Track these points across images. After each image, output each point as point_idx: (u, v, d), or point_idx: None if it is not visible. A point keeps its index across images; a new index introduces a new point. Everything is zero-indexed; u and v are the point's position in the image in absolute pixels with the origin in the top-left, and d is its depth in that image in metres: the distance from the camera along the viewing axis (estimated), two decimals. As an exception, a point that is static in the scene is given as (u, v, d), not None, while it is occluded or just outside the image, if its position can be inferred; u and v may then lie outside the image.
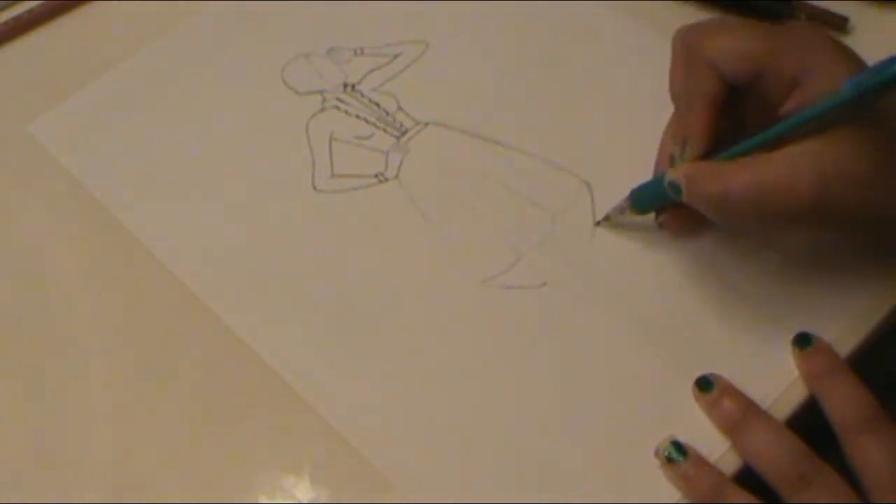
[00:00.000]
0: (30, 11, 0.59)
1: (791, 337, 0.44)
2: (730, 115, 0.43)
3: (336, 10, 0.58)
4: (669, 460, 0.42)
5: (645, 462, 0.42)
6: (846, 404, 0.41)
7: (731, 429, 0.42)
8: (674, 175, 0.43)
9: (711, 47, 0.42)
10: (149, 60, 0.57)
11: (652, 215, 0.47)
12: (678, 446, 0.42)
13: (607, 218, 0.48)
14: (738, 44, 0.42)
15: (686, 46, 0.44)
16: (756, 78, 0.42)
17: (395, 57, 0.56)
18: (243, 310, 0.48)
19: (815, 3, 0.56)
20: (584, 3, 0.57)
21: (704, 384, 0.43)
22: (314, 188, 0.51)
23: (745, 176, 0.40)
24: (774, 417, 0.42)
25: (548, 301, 0.47)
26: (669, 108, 0.45)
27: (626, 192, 0.47)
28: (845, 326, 0.45)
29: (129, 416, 0.45)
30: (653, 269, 0.47)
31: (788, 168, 0.39)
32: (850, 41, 0.54)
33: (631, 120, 0.52)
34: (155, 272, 0.49)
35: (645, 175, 0.47)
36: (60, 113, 0.55)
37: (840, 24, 0.55)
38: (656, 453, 0.42)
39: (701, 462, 0.42)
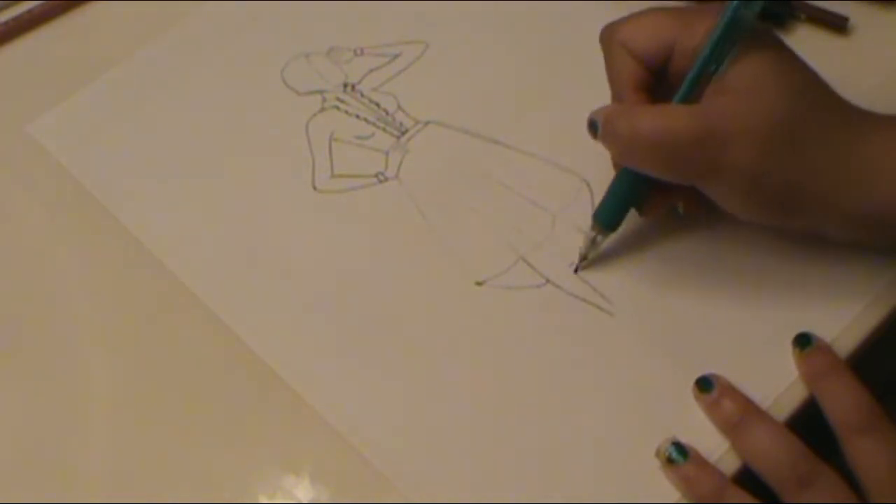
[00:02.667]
0: (30, 11, 0.59)
1: (791, 337, 0.44)
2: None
3: (336, 10, 0.58)
4: (670, 461, 0.42)
5: (645, 462, 0.42)
6: (845, 405, 0.41)
7: (730, 429, 0.42)
8: (594, 113, 0.44)
9: (622, 32, 0.44)
10: (149, 60, 0.57)
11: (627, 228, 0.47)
12: (679, 447, 0.42)
13: (584, 258, 0.47)
14: (645, 25, 0.44)
15: (603, 38, 0.45)
16: (669, 54, 0.43)
17: (395, 57, 0.56)
18: (243, 309, 0.48)
19: (815, 3, 0.56)
20: (584, 3, 0.57)
21: (704, 384, 0.43)
22: (314, 188, 0.51)
23: (656, 120, 0.41)
24: (774, 418, 0.42)
25: (548, 301, 0.47)
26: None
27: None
28: (845, 326, 0.45)
29: (129, 416, 0.46)
30: (653, 269, 0.47)
31: (694, 119, 0.41)
32: (850, 41, 0.54)
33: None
34: (155, 272, 0.49)
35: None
36: (60, 113, 0.55)
37: (840, 24, 0.55)
38: (657, 454, 0.42)
39: (702, 463, 0.41)
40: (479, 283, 0.48)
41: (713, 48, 0.41)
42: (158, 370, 0.47)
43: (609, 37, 0.45)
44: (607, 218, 0.46)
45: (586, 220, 0.49)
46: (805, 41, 0.54)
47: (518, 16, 0.57)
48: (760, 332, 0.45)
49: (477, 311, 0.47)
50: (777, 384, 0.44)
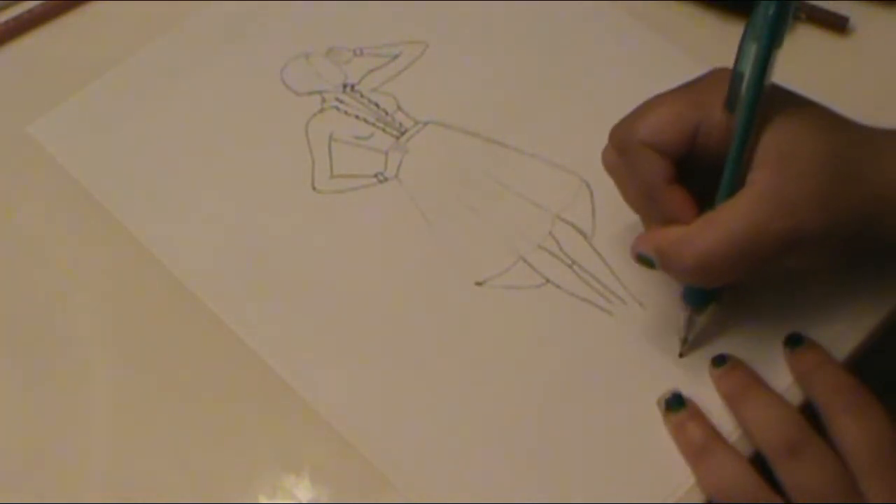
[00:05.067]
0: (30, 11, 0.59)
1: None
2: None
3: (336, 10, 0.58)
4: (668, 408, 0.43)
5: (645, 461, 0.43)
6: (831, 388, 0.42)
7: (730, 399, 0.43)
8: (642, 247, 0.42)
9: (643, 131, 0.42)
10: (149, 60, 0.57)
11: None
12: (679, 397, 0.43)
13: (685, 342, 0.45)
14: (661, 114, 0.42)
15: (618, 148, 0.43)
16: (692, 137, 0.41)
17: (395, 57, 0.56)
18: (243, 310, 0.48)
19: (815, 3, 0.56)
20: (584, 3, 0.57)
21: (718, 360, 0.44)
22: (314, 188, 0.51)
23: (715, 233, 0.40)
24: (767, 384, 0.43)
25: (548, 301, 0.47)
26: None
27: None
28: (845, 326, 0.45)
29: (129, 416, 0.45)
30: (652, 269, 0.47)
31: (753, 210, 0.39)
32: (850, 41, 0.54)
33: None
34: (154, 272, 0.49)
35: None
36: (60, 113, 0.55)
37: (840, 24, 0.55)
38: (658, 402, 0.43)
39: (697, 414, 0.43)
40: (479, 283, 0.48)
41: (745, 129, 0.40)
42: (158, 370, 0.47)
43: (627, 138, 0.42)
44: (696, 299, 0.44)
45: (586, 220, 0.49)
46: (805, 41, 0.54)
47: (518, 16, 0.57)
48: (761, 332, 0.45)
49: (477, 311, 0.47)
50: (777, 384, 0.44)
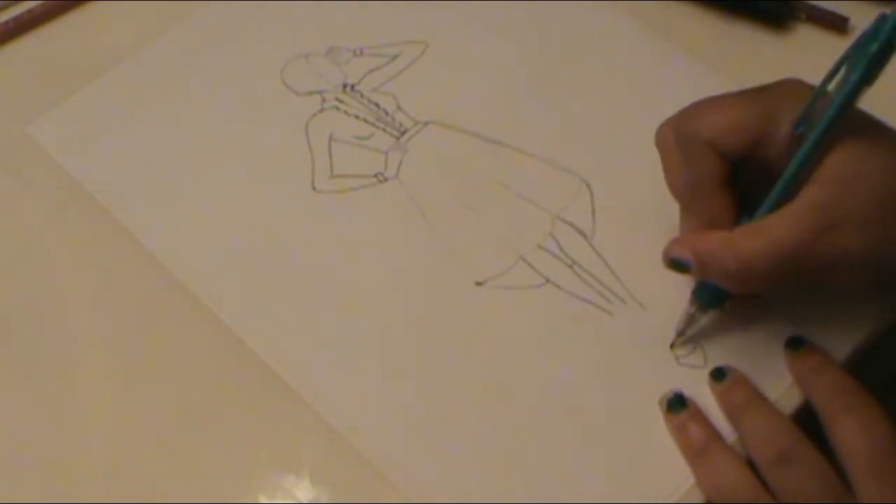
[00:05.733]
0: (30, 11, 0.59)
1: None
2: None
3: (336, 10, 0.58)
4: (670, 408, 0.43)
5: (645, 461, 0.43)
6: (831, 391, 0.42)
7: (730, 414, 0.43)
8: (678, 251, 0.42)
9: (706, 128, 0.42)
10: (149, 60, 0.57)
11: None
12: (680, 398, 0.43)
13: (681, 334, 0.45)
14: (731, 118, 0.41)
15: (679, 136, 0.43)
16: (754, 146, 0.41)
17: (395, 57, 0.56)
18: (243, 310, 0.48)
19: (815, 3, 0.56)
20: (584, 3, 0.57)
21: (718, 374, 0.44)
22: (314, 188, 0.51)
23: (758, 245, 0.39)
24: (766, 398, 0.43)
25: (548, 301, 0.47)
26: (668, 107, 0.44)
27: (627, 193, 0.47)
28: (845, 327, 0.45)
29: (129, 416, 0.45)
30: (652, 269, 0.47)
31: (799, 226, 0.39)
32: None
33: (631, 119, 0.52)
34: (154, 272, 0.49)
35: (645, 174, 0.47)
36: (60, 113, 0.55)
37: (840, 24, 0.55)
38: (660, 402, 0.43)
39: (698, 415, 0.43)
40: (479, 283, 0.48)
41: (813, 146, 0.39)
42: (158, 370, 0.47)
43: (691, 132, 0.42)
44: (707, 298, 0.44)
45: (586, 220, 0.49)
46: (805, 41, 0.54)
47: (518, 16, 0.57)
48: (761, 332, 0.45)
49: (477, 311, 0.47)
50: (777, 384, 0.44)
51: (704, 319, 0.45)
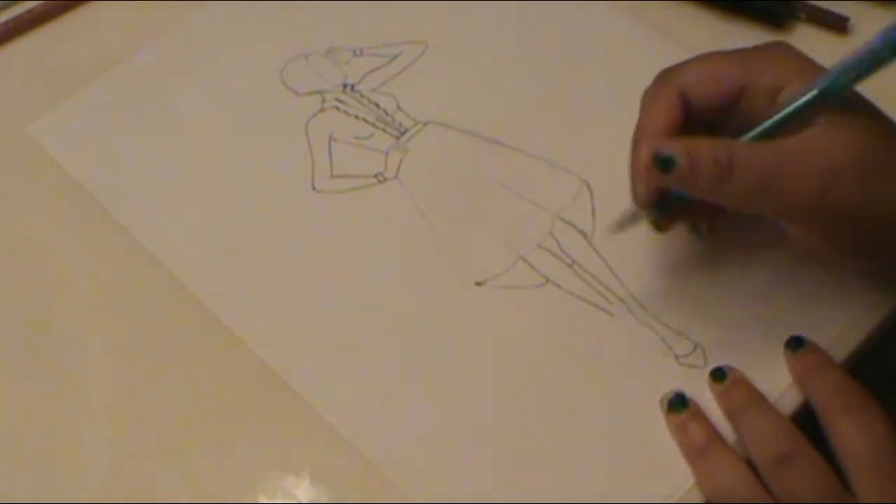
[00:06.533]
0: (30, 11, 0.59)
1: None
2: None
3: (336, 10, 0.58)
4: (671, 408, 0.43)
5: (646, 461, 0.43)
6: (831, 392, 0.42)
7: (730, 415, 0.43)
8: (668, 147, 0.39)
9: (679, 77, 0.42)
10: (149, 61, 0.57)
11: None
12: (681, 397, 0.43)
13: (618, 225, 0.46)
14: (708, 70, 0.42)
15: (660, 79, 0.43)
16: (734, 99, 0.41)
17: (395, 57, 0.56)
18: (242, 309, 0.48)
19: (815, 3, 0.56)
20: (584, 2, 0.57)
21: (718, 375, 0.44)
22: (314, 188, 0.51)
23: (754, 160, 0.39)
24: (766, 399, 0.43)
25: (548, 301, 0.47)
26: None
27: (627, 193, 0.47)
28: (845, 326, 0.45)
29: (129, 417, 0.45)
30: (653, 269, 0.47)
31: (797, 158, 0.39)
32: (850, 41, 0.54)
33: (631, 119, 0.51)
34: (155, 273, 0.49)
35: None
36: (60, 113, 0.55)
37: (840, 24, 0.55)
38: (661, 401, 0.43)
39: (699, 415, 0.43)
40: (479, 283, 0.48)
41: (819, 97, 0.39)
42: (158, 370, 0.47)
43: (667, 79, 0.43)
44: (672, 203, 0.43)
45: (586, 220, 0.49)
46: (805, 41, 0.54)
47: (518, 16, 0.57)
48: (761, 332, 0.45)
49: (477, 311, 0.47)
50: (777, 384, 0.44)
51: (643, 221, 0.44)
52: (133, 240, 0.50)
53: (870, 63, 0.38)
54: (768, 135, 0.40)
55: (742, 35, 0.56)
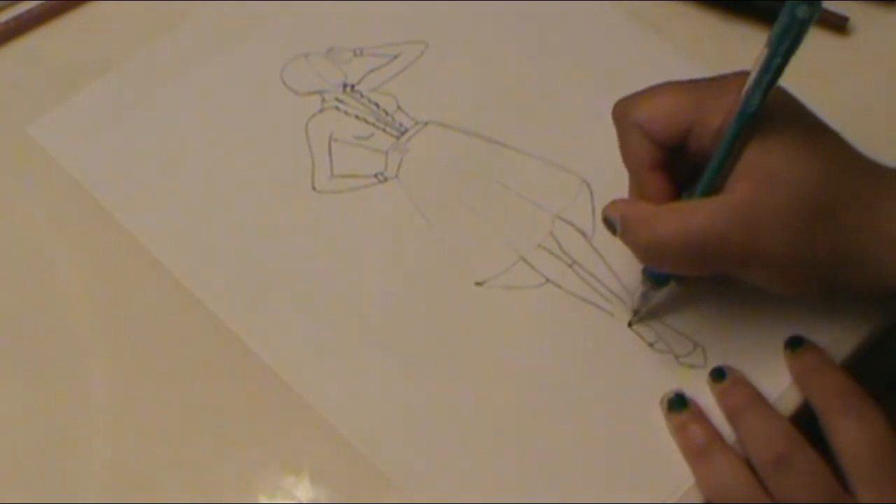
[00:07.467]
0: (30, 11, 0.59)
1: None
2: (681, 174, 0.43)
3: (336, 10, 0.58)
4: (671, 408, 0.43)
5: (645, 461, 0.43)
6: (830, 393, 0.42)
7: (729, 414, 0.43)
8: (610, 211, 0.42)
9: (638, 113, 0.42)
10: (149, 60, 0.57)
11: None
12: (681, 397, 0.43)
13: (636, 313, 0.46)
14: (662, 105, 0.42)
15: (617, 117, 0.43)
16: (686, 134, 0.41)
17: (395, 57, 0.56)
18: (242, 310, 0.48)
19: (815, 2, 0.56)
20: (584, 3, 0.57)
21: (718, 374, 0.44)
22: (314, 189, 0.51)
23: (675, 224, 0.40)
24: (766, 399, 0.43)
25: (548, 301, 0.47)
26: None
27: (626, 193, 0.47)
28: (845, 327, 0.45)
29: (129, 416, 0.46)
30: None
31: (717, 215, 0.39)
32: (850, 41, 0.54)
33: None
34: (155, 272, 0.49)
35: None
36: (60, 113, 0.55)
37: (840, 24, 0.55)
38: (661, 401, 0.43)
39: (699, 415, 0.43)
40: (479, 283, 0.48)
41: (735, 136, 0.39)
42: (158, 370, 0.47)
43: (623, 116, 0.43)
44: (653, 276, 0.45)
45: (586, 220, 0.49)
46: (805, 41, 0.54)
47: (518, 16, 0.57)
48: (760, 332, 0.45)
49: (477, 311, 0.47)
50: (777, 384, 0.44)
51: (658, 297, 0.45)
52: (133, 239, 0.50)
53: (770, 75, 0.38)
54: (716, 179, 0.40)
55: (742, 35, 0.55)
